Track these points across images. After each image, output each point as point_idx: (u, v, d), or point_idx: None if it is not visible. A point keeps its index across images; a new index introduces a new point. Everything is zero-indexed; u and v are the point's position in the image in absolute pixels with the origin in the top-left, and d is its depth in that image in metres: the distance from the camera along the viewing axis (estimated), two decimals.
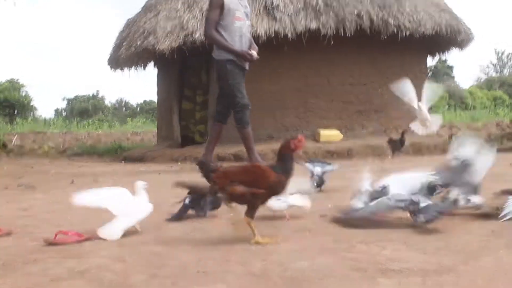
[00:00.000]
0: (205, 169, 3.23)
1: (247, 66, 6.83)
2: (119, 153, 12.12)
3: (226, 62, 6.64)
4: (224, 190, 3.09)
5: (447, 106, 32.32)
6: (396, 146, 8.64)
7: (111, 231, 3.37)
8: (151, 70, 12.60)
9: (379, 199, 3.51)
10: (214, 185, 3.13)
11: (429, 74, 48.01)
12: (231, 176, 3.10)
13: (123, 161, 10.29)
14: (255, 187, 3.06)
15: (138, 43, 10.33)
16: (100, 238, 3.33)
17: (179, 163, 9.14)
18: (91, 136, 18.84)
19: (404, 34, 9.95)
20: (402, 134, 8.60)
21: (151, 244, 3.20)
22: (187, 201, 3.97)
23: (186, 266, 2.75)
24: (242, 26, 6.72)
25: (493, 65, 59.65)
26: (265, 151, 9.04)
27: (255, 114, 10.28)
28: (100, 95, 47.39)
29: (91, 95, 46.01)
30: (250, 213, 3.11)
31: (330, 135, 9.95)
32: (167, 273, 2.64)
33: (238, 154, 9.22)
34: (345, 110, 10.25)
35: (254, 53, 6.69)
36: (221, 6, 6.61)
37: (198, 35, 9.61)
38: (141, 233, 3.50)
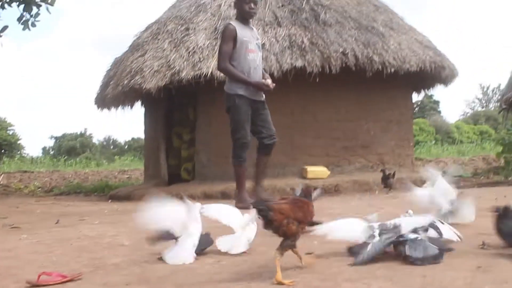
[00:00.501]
0: (263, 208, 3.09)
1: (262, 97, 6.78)
2: (106, 192, 12.08)
3: (235, 97, 6.60)
4: (280, 228, 3.10)
5: (434, 141, 32.55)
6: (389, 182, 8.70)
7: (234, 244, 3.61)
8: (139, 108, 12.65)
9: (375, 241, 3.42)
10: (271, 223, 3.09)
11: (416, 109, 48.41)
12: (286, 213, 3.11)
13: (109, 200, 10.25)
14: (303, 223, 3.15)
15: (125, 82, 10.36)
16: (82, 279, 3.31)
17: None
18: (78, 175, 18.78)
19: (389, 71, 10.04)
20: (393, 174, 8.70)
21: (133, 285, 3.18)
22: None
23: None
24: (256, 58, 6.70)
25: (478, 99, 60.32)
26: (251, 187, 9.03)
27: None
28: (88, 133, 47.43)
29: (78, 133, 46.04)
30: (284, 249, 3.14)
31: (317, 171, 9.97)
32: None
33: (226, 192, 9.21)
34: (331, 146, 10.29)
35: (269, 81, 6.67)
36: (234, 39, 6.57)
37: (185, 73, 9.66)
38: (126, 274, 3.47)
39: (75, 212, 7.66)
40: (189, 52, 9.95)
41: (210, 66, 9.63)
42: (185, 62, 9.84)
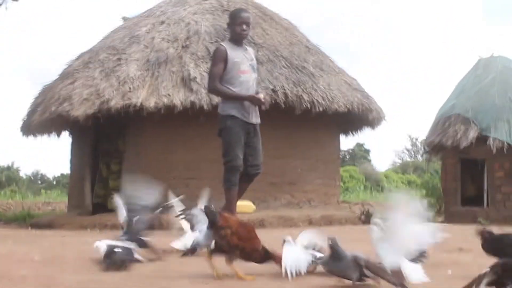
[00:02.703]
0: (212, 212, 3.60)
1: (256, 119, 6.44)
2: (28, 221, 11.73)
3: (228, 118, 6.31)
4: (224, 236, 3.53)
5: (362, 187, 33.08)
6: None
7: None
8: (68, 141, 12.41)
9: None
10: (217, 229, 3.54)
11: (347, 156, 49.22)
12: (231, 224, 3.56)
13: (29, 227, 9.98)
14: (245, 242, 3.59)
15: (53, 109, 10.18)
16: None
17: (89, 230, 8.94)
18: (0, 205, 18.22)
19: (317, 110, 10.21)
20: None
21: None
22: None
23: None
24: (249, 79, 6.44)
25: (407, 150, 61.73)
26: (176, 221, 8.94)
27: (170, 182, 10.27)
28: (15, 166, 46.21)
29: (5, 166, 44.85)
30: (231, 259, 3.60)
31: (243, 206, 9.94)
32: None
33: (151, 222, 9.08)
34: (258, 182, 10.19)
35: (261, 95, 6.40)
36: (225, 60, 6.33)
37: (114, 102, 9.59)
38: (32, 284, 3.39)
39: None
40: (119, 82, 9.90)
41: (140, 96, 9.61)
42: (114, 91, 9.77)
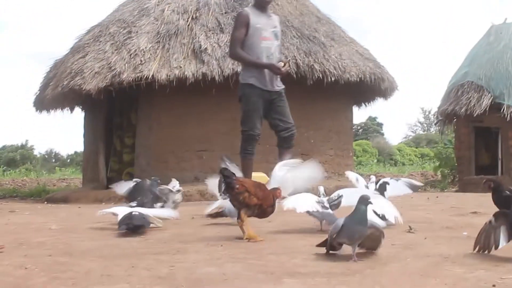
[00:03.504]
0: (229, 175, 3.62)
1: (278, 87, 6.49)
2: (43, 196, 11.83)
3: (246, 86, 6.35)
4: (239, 196, 3.58)
5: (376, 160, 33.04)
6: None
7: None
8: (81, 117, 12.43)
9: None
10: (232, 190, 3.57)
11: (360, 130, 49.10)
12: (248, 187, 3.59)
13: (45, 202, 10.05)
14: (262, 201, 3.65)
15: (65, 83, 10.18)
16: (3, 252, 3.26)
17: (104, 203, 9.00)
18: (15, 182, 18.37)
19: (329, 80, 10.15)
20: None
21: (55, 256, 3.14)
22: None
23: (90, 271, 2.70)
24: (270, 46, 6.41)
25: (420, 123, 61.41)
26: (191, 192, 8.98)
27: (183, 156, 10.33)
28: (29, 145, 46.44)
29: (19, 145, 45.07)
30: (244, 216, 3.62)
31: (257, 177, 9.94)
32: (69, 276, 2.58)
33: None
34: (271, 153, 10.25)
35: (281, 64, 6.33)
36: (247, 25, 6.32)
37: (126, 75, 9.58)
38: (49, 248, 3.42)
39: (6, 207, 7.50)
40: (130, 55, 9.87)
41: (151, 69, 9.57)
42: (126, 64, 9.74)
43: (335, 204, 4.04)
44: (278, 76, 6.44)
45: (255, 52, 6.32)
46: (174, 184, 5.27)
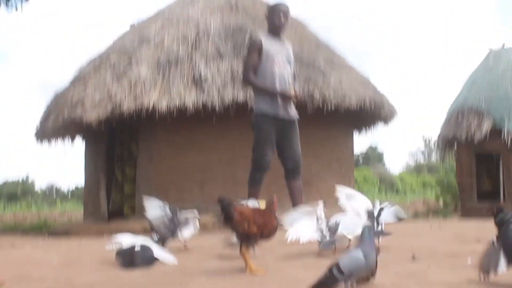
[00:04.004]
0: (226, 205, 3.58)
1: (291, 115, 6.53)
2: (44, 231, 11.76)
3: (258, 115, 6.37)
4: (239, 226, 3.53)
5: (377, 189, 32.96)
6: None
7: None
8: (81, 150, 12.40)
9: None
10: (231, 220, 3.52)
11: (361, 160, 49.00)
12: (247, 216, 3.53)
13: (47, 236, 9.99)
14: (264, 229, 3.60)
15: (66, 114, 10.18)
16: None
17: (105, 236, 8.95)
18: (16, 216, 18.30)
19: (329, 107, 10.14)
20: None
21: None
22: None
23: None
24: (283, 71, 6.43)
25: (421, 152, 61.35)
26: None
27: (184, 185, 10.29)
28: (30, 180, 46.38)
29: (20, 180, 44.97)
30: (246, 246, 3.60)
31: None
32: None
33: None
34: (273, 183, 10.14)
35: (292, 92, 6.36)
36: (259, 50, 6.36)
37: (126, 106, 9.56)
38: (51, 283, 3.39)
39: (7, 242, 7.44)
40: (131, 84, 9.85)
41: (151, 99, 9.57)
42: (126, 94, 9.73)
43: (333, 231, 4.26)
44: (292, 103, 6.48)
45: (268, 78, 6.34)
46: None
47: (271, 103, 6.34)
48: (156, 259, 4.07)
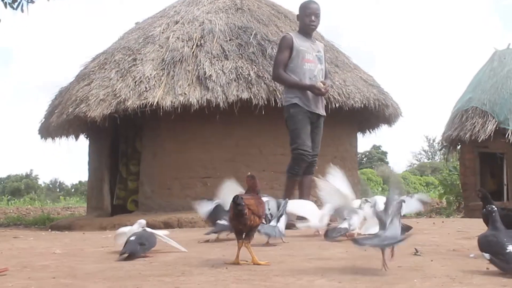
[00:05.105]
0: (242, 205, 3.45)
1: (319, 109, 6.61)
2: (47, 224, 11.81)
3: (290, 106, 6.44)
4: (247, 221, 3.46)
5: (380, 189, 32.94)
6: None
7: None
8: (85, 146, 12.41)
9: None
10: (243, 217, 3.42)
11: (364, 159, 49.02)
12: (253, 208, 3.47)
13: (49, 230, 10.02)
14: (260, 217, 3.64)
15: (70, 111, 10.22)
16: (7, 275, 3.24)
17: (108, 230, 8.97)
18: (19, 210, 18.36)
19: (333, 106, 10.14)
20: None
21: (59, 278, 3.13)
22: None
23: None
24: (313, 68, 6.53)
25: (424, 151, 61.27)
26: (196, 219, 8.96)
27: (187, 182, 10.30)
28: (33, 175, 46.54)
29: (24, 174, 45.15)
30: (250, 238, 3.58)
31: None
32: None
33: (168, 222, 9.11)
34: (276, 180, 10.26)
35: (321, 85, 6.41)
36: (290, 48, 6.47)
37: (131, 102, 9.60)
38: (53, 271, 3.40)
39: (10, 234, 7.48)
40: (135, 82, 9.91)
41: (156, 96, 9.61)
42: (131, 91, 9.78)
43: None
44: (323, 100, 6.64)
45: (298, 74, 6.45)
46: None
47: (301, 96, 6.46)
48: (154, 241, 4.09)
